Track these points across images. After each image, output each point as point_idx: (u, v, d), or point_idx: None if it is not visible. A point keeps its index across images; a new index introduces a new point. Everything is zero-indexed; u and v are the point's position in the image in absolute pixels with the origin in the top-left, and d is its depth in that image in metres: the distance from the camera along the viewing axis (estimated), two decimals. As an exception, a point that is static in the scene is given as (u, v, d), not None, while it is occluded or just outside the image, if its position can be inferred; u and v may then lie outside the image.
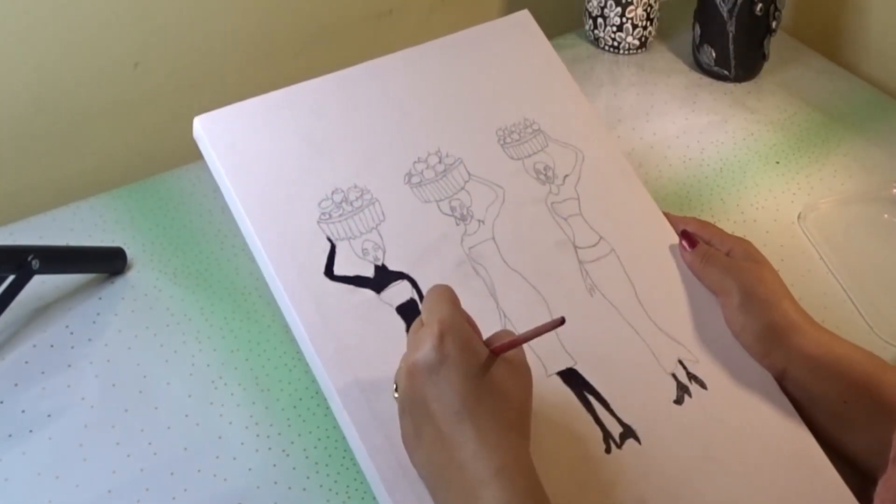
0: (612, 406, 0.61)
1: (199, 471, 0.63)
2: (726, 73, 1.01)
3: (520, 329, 0.63)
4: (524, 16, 0.77)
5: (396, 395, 0.54)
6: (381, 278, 0.63)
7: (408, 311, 0.62)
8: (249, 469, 0.63)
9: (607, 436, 0.60)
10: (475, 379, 0.51)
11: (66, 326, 0.72)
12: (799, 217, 0.85)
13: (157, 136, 0.94)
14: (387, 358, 0.58)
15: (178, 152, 0.89)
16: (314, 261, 0.62)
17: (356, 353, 0.59)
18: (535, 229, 0.68)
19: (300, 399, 0.67)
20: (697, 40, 1.02)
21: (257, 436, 0.65)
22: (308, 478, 0.63)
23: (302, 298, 0.60)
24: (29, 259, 0.68)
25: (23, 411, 0.66)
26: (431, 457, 0.51)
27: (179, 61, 0.91)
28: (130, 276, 0.76)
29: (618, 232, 0.69)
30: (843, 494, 0.60)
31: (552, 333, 0.63)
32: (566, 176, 0.71)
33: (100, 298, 0.74)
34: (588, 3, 1.05)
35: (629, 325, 0.65)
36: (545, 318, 0.64)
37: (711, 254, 0.67)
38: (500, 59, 0.74)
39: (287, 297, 0.60)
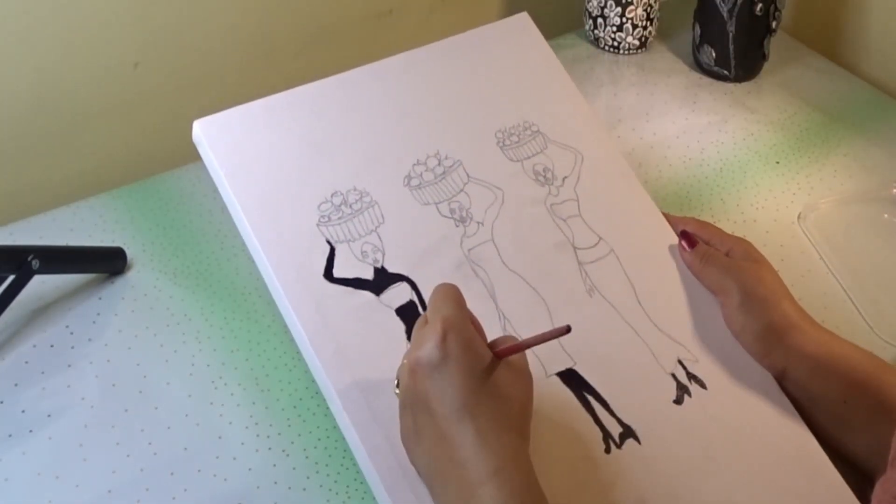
0: (612, 406, 0.61)
1: (199, 471, 0.63)
2: (726, 73, 1.01)
3: (519, 330, 0.63)
4: (523, 18, 0.77)
5: (397, 391, 0.54)
6: (381, 280, 0.63)
7: (407, 313, 0.62)
8: (249, 469, 0.63)
9: (607, 436, 0.60)
10: (477, 379, 0.51)
11: (66, 326, 0.72)
12: (799, 217, 0.85)
13: (157, 136, 0.94)
14: (386, 359, 0.58)
15: (178, 152, 0.89)
16: (313, 263, 0.62)
17: (356, 354, 0.59)
18: (534, 231, 0.68)
19: (300, 399, 0.67)
20: (697, 40, 1.02)
21: (257, 436, 0.65)
22: (308, 478, 0.63)
23: (301, 301, 0.60)
24: (29, 259, 0.68)
25: (23, 411, 0.66)
26: (431, 454, 0.52)
27: (179, 61, 0.91)
28: (130, 276, 0.76)
29: (617, 233, 0.69)
30: (843, 494, 0.60)
31: None
32: (565, 177, 0.71)
33: (100, 298, 0.74)
34: (588, 3, 1.05)
35: (629, 326, 0.65)
36: (545, 320, 0.64)
37: (711, 254, 0.67)
38: (499, 62, 0.74)
39: (286, 300, 0.60)
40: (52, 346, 0.70)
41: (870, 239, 0.83)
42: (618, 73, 1.03)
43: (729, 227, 0.81)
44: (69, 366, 0.69)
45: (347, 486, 0.62)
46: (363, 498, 0.61)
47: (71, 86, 0.87)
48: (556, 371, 0.62)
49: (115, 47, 0.87)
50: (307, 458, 0.64)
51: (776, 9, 0.97)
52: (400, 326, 0.62)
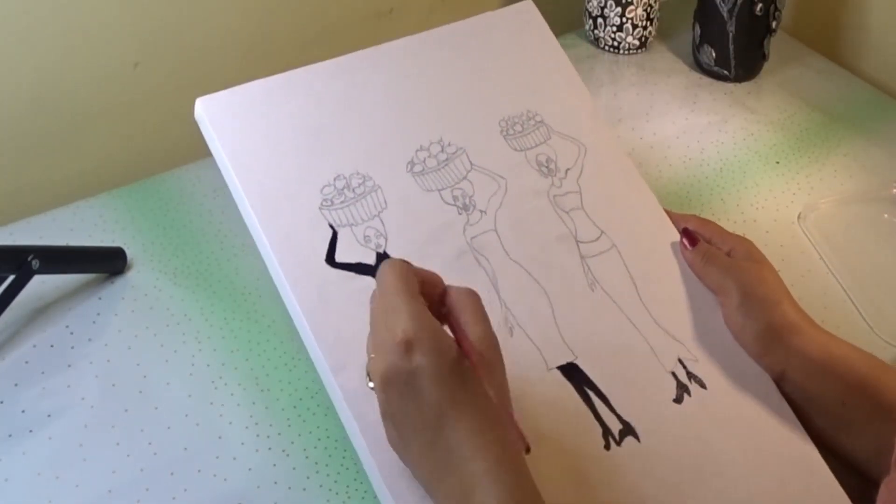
0: (612, 402, 0.61)
1: (199, 471, 0.63)
2: (726, 73, 1.01)
3: (520, 322, 0.63)
4: (528, 6, 0.76)
5: (371, 385, 0.53)
6: None
7: None
8: (249, 469, 0.63)
9: (607, 432, 0.60)
10: (450, 384, 0.50)
11: (66, 326, 0.72)
12: (799, 217, 0.85)
13: (157, 136, 0.94)
14: None
15: (178, 152, 0.89)
16: (316, 247, 0.61)
17: (357, 340, 0.58)
18: (537, 222, 0.68)
19: (300, 399, 0.67)
20: (697, 40, 1.02)
21: (257, 436, 0.65)
22: (308, 478, 0.63)
23: (303, 285, 0.60)
24: (29, 259, 0.68)
25: (23, 411, 0.66)
26: (419, 461, 0.51)
27: (179, 61, 0.91)
28: (130, 276, 0.76)
29: (619, 227, 0.69)
30: (838, 497, 0.60)
31: (554, 327, 0.63)
32: (568, 169, 0.71)
33: (100, 298, 0.74)
34: (588, 3, 1.05)
35: (630, 322, 0.65)
36: (547, 312, 0.64)
37: (712, 253, 0.67)
38: (503, 49, 0.74)
39: (288, 284, 0.60)
40: (52, 346, 0.70)
41: (870, 239, 0.83)
42: (618, 73, 1.03)
43: (729, 228, 0.80)
44: (69, 366, 0.69)
45: (347, 486, 0.62)
46: (363, 498, 0.61)
47: (71, 86, 0.87)
48: (558, 365, 0.62)
49: (115, 47, 0.87)
50: (307, 458, 0.64)
51: (776, 9, 0.97)
52: None
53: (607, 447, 0.59)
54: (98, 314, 0.73)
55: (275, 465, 0.63)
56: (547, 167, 0.70)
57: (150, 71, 0.91)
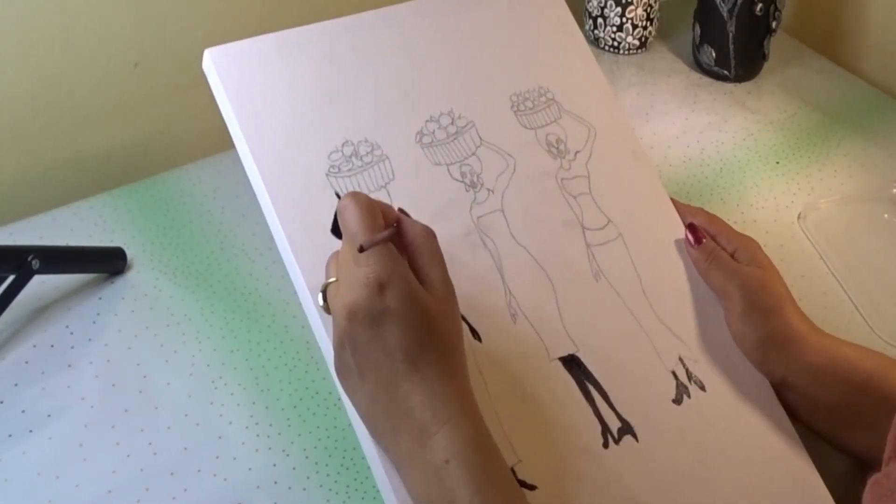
0: (612, 399, 0.61)
1: (199, 471, 0.63)
2: (726, 73, 1.01)
3: (524, 308, 0.62)
4: None
5: (322, 304, 0.52)
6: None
7: None
8: (249, 469, 0.63)
9: (606, 430, 0.60)
10: (418, 330, 0.50)
11: (66, 326, 0.72)
12: (799, 217, 0.85)
13: (157, 136, 0.94)
14: None
15: (178, 152, 0.90)
16: (321, 217, 0.59)
17: None
18: (544, 205, 0.66)
19: (300, 399, 0.67)
20: (697, 40, 1.02)
21: (257, 436, 0.65)
22: (308, 478, 0.63)
23: (307, 257, 0.58)
24: (29, 259, 0.68)
25: (23, 411, 0.66)
26: (375, 399, 0.51)
27: (179, 61, 0.91)
28: (130, 276, 0.76)
29: (626, 217, 0.68)
30: None
31: (557, 317, 0.63)
32: (577, 152, 0.70)
33: (100, 298, 0.74)
34: (588, 3, 1.05)
35: (633, 317, 0.65)
36: (551, 301, 0.63)
37: (716, 255, 0.66)
38: (517, 21, 0.72)
39: (293, 256, 0.58)
40: (52, 346, 0.70)
41: (870, 239, 0.83)
42: (618, 73, 1.03)
43: (729, 227, 0.81)
44: (69, 366, 0.69)
45: (347, 486, 0.62)
46: (363, 498, 0.61)
47: (71, 86, 0.87)
48: (559, 356, 0.62)
49: (115, 47, 0.88)
50: (307, 458, 0.64)
51: (776, 9, 0.97)
52: None
53: (605, 445, 0.59)
54: (98, 314, 0.73)
55: (275, 465, 0.63)
56: (556, 148, 0.69)
57: (150, 71, 0.91)
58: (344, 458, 0.64)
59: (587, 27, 1.06)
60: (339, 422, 0.66)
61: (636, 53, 1.06)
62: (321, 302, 0.53)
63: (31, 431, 0.65)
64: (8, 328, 0.71)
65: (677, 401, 0.62)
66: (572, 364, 0.61)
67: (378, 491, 0.55)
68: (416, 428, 0.49)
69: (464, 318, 0.60)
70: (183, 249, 0.79)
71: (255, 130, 0.61)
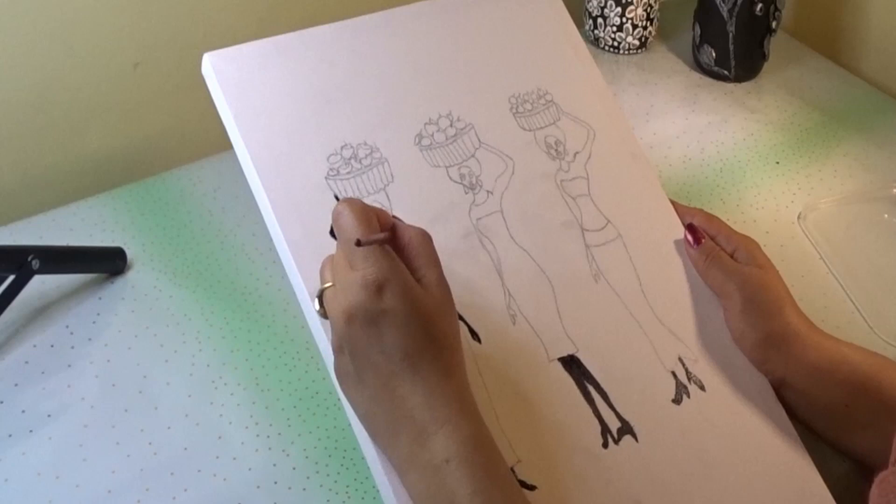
0: (612, 399, 0.61)
1: (199, 471, 0.63)
2: (726, 73, 1.01)
3: (523, 309, 0.62)
4: None
5: (318, 309, 0.52)
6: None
7: None
8: (249, 469, 0.63)
9: (605, 430, 0.60)
10: (417, 329, 0.50)
11: (66, 326, 0.72)
12: (799, 217, 0.85)
13: (157, 136, 0.94)
14: None
15: (178, 152, 0.90)
16: (320, 220, 0.60)
17: None
18: (543, 206, 0.67)
19: (300, 399, 0.67)
20: (697, 40, 1.02)
21: (257, 436, 0.65)
22: (308, 478, 0.63)
23: (307, 260, 0.58)
24: (29, 259, 0.68)
25: (23, 411, 0.66)
26: (374, 401, 0.51)
27: (179, 61, 0.91)
28: (130, 276, 0.76)
29: (625, 218, 0.68)
30: None
31: (556, 318, 0.63)
32: (577, 153, 0.70)
33: (100, 298, 0.74)
34: (588, 3, 1.05)
35: (632, 317, 0.65)
36: (550, 302, 0.63)
37: (716, 254, 0.66)
38: (516, 23, 0.72)
39: (292, 259, 0.58)
40: (52, 346, 0.70)
41: (870, 239, 0.83)
42: (618, 73, 1.03)
43: (729, 227, 0.81)
44: (69, 366, 0.69)
45: (347, 486, 0.62)
46: (363, 498, 0.61)
47: (71, 86, 0.87)
48: (559, 356, 0.62)
49: (115, 47, 0.88)
50: (307, 458, 0.64)
51: (776, 9, 0.97)
52: None
53: (605, 445, 0.59)
54: (98, 314, 0.73)
55: (275, 465, 0.63)
56: (555, 149, 0.69)
57: (150, 71, 0.91)
58: (344, 458, 0.64)
59: (587, 27, 1.06)
60: (339, 422, 0.66)
61: (636, 53, 1.06)
62: (317, 307, 0.53)
63: (31, 431, 0.65)
64: (8, 328, 0.71)
65: (677, 401, 0.62)
66: (572, 364, 0.62)
67: (378, 491, 0.55)
68: (416, 429, 0.49)
69: (463, 320, 0.60)
70: (183, 249, 0.79)
71: (254, 134, 0.61)
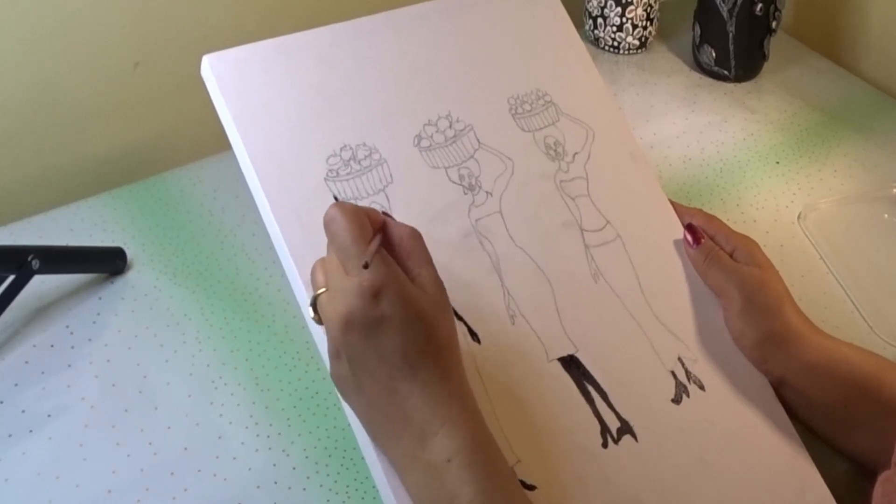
0: (611, 399, 0.61)
1: (199, 471, 0.63)
2: (726, 73, 1.01)
3: (522, 309, 0.62)
4: None
5: (314, 316, 0.52)
6: None
7: None
8: (249, 469, 0.63)
9: (605, 429, 0.60)
10: (415, 333, 0.50)
11: (66, 326, 0.72)
12: (799, 217, 0.85)
13: (156, 137, 0.94)
14: None
15: (178, 152, 0.90)
16: (320, 222, 0.58)
17: None
18: (542, 207, 0.67)
19: (300, 399, 0.67)
20: (697, 40, 1.02)
21: (257, 436, 0.65)
22: (308, 478, 0.63)
23: (306, 261, 0.57)
24: (29, 259, 0.68)
25: (23, 411, 0.66)
26: (374, 404, 0.51)
27: (179, 62, 0.91)
28: (130, 276, 0.76)
29: (625, 218, 0.68)
30: None
31: (556, 318, 0.63)
32: (576, 154, 0.70)
33: (100, 298, 0.74)
34: (588, 3, 1.05)
35: (632, 317, 0.65)
36: (549, 302, 0.63)
37: (715, 254, 0.67)
38: (516, 24, 0.72)
39: (291, 261, 0.58)
40: (52, 346, 0.70)
41: (870, 239, 0.83)
42: (618, 73, 1.03)
43: (729, 227, 0.81)
44: (69, 366, 0.69)
45: (347, 486, 0.62)
46: (363, 498, 0.61)
47: (71, 86, 0.87)
48: (558, 356, 0.62)
49: (115, 47, 0.88)
50: (307, 458, 0.64)
51: (776, 9, 0.97)
52: None
53: (605, 445, 0.59)
54: (98, 314, 0.73)
55: (275, 465, 0.63)
56: (555, 150, 0.69)
57: (150, 71, 0.91)
58: (344, 458, 0.64)
59: (587, 27, 1.06)
60: (339, 422, 0.66)
61: (636, 53, 1.06)
62: (312, 315, 0.52)
63: (31, 431, 0.65)
64: (8, 328, 0.71)
65: (676, 400, 0.62)
66: (571, 364, 0.62)
67: (378, 491, 0.55)
68: (416, 430, 0.49)
69: (463, 320, 0.60)
70: (183, 249, 0.79)
71: (254, 136, 0.61)
